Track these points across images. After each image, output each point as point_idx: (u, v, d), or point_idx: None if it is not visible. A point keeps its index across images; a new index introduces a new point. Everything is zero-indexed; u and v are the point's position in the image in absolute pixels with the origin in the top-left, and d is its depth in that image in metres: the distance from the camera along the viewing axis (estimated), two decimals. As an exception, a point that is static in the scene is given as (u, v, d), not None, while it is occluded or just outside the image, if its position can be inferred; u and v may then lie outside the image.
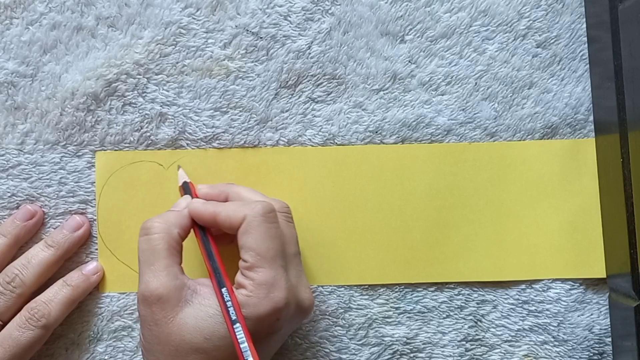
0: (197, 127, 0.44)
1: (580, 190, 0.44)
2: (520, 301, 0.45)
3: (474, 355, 0.45)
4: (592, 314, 0.45)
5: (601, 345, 0.45)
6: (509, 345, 0.45)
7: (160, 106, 0.44)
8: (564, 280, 0.45)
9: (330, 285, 0.44)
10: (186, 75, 0.44)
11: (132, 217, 0.43)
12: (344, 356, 0.44)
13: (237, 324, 0.35)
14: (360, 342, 0.44)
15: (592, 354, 0.45)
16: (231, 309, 0.35)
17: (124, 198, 0.43)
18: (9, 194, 0.44)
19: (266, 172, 0.44)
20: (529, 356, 0.45)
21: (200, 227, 0.39)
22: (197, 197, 0.41)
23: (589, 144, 0.45)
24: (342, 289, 0.44)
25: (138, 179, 0.44)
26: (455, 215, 0.44)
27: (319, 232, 0.44)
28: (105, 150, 0.44)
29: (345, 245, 0.44)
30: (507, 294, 0.45)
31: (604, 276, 0.44)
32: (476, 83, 0.45)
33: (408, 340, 0.44)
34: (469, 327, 0.45)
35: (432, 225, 0.44)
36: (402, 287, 0.44)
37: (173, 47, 0.44)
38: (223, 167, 0.44)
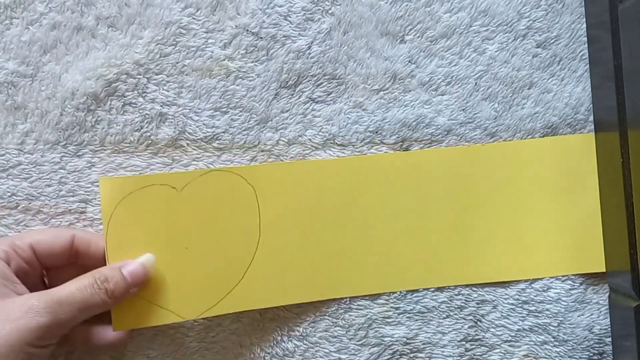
0: (197, 127, 0.44)
1: (593, 186, 0.44)
2: (520, 301, 0.45)
3: (474, 355, 0.45)
4: (592, 314, 0.45)
5: (601, 345, 0.45)
6: (509, 346, 0.45)
7: (160, 106, 0.44)
8: (564, 280, 0.45)
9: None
10: (186, 75, 0.44)
11: (146, 247, 0.41)
12: (343, 356, 0.44)
13: None
14: (360, 343, 0.44)
15: (592, 354, 0.45)
16: None
17: (135, 226, 0.41)
18: (9, 194, 0.44)
19: (282, 185, 0.43)
20: (529, 356, 0.45)
21: None
22: None
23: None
24: (342, 289, 0.44)
25: (149, 205, 0.41)
26: (473, 216, 0.44)
27: (339, 243, 0.43)
28: (105, 151, 0.44)
29: (366, 254, 0.44)
30: (507, 294, 0.45)
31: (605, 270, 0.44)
32: (476, 83, 0.45)
33: (408, 341, 0.44)
34: (469, 327, 0.45)
35: (451, 227, 0.44)
36: (402, 287, 0.45)
37: (173, 47, 0.44)
38: (238, 185, 0.43)
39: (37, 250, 0.40)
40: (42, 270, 0.41)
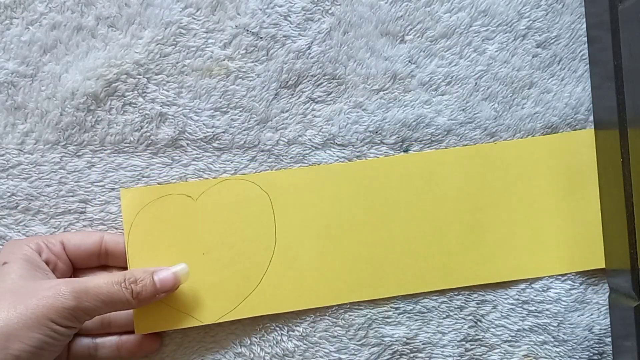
0: (197, 127, 0.44)
1: (594, 183, 0.44)
2: (520, 301, 0.45)
3: (474, 355, 0.45)
4: (592, 314, 0.45)
5: (601, 345, 0.45)
6: (509, 345, 0.45)
7: (160, 106, 0.44)
8: (563, 280, 0.45)
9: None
10: (186, 75, 0.44)
11: (164, 253, 0.43)
12: (343, 356, 0.44)
13: None
14: (360, 343, 0.44)
15: (592, 354, 0.45)
16: None
17: (153, 234, 0.43)
18: (9, 194, 0.44)
19: (296, 191, 0.44)
20: (529, 356, 0.45)
21: None
22: None
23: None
24: (342, 289, 0.44)
25: (167, 214, 0.43)
26: (489, 215, 0.44)
27: (354, 248, 0.43)
28: (105, 151, 0.44)
29: (383, 258, 0.44)
30: (506, 294, 0.45)
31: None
32: (476, 83, 0.45)
33: (408, 341, 0.44)
34: (469, 327, 0.45)
35: (467, 228, 0.44)
36: (402, 287, 0.45)
37: (173, 47, 0.44)
38: (253, 192, 0.43)
39: (67, 246, 0.42)
40: (72, 269, 0.42)
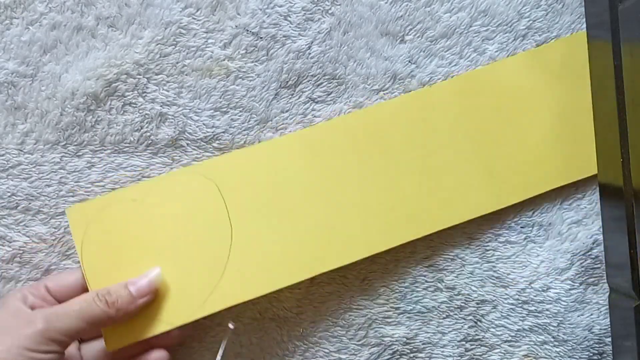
0: (197, 127, 0.44)
1: (566, 92, 0.44)
2: (520, 301, 0.45)
3: (474, 355, 0.45)
4: (592, 314, 0.45)
5: (601, 345, 0.45)
6: (509, 346, 0.45)
7: (161, 106, 0.44)
8: (563, 280, 0.45)
9: (331, 284, 0.44)
10: (186, 75, 0.44)
11: (121, 264, 0.41)
12: (343, 356, 0.44)
13: None
14: (360, 343, 0.44)
15: (592, 354, 0.45)
16: None
17: (106, 247, 0.41)
18: (9, 194, 0.44)
19: (242, 173, 0.43)
20: (529, 356, 0.45)
21: None
22: None
23: (578, 39, 0.45)
24: (342, 289, 0.44)
25: (115, 223, 0.42)
26: (440, 158, 0.43)
27: (311, 218, 0.42)
28: (105, 151, 0.44)
29: (344, 222, 0.43)
30: (506, 294, 0.45)
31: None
32: (476, 83, 0.45)
33: (408, 341, 0.44)
34: (469, 327, 0.45)
35: (421, 175, 0.43)
36: (402, 287, 0.45)
37: (173, 47, 0.44)
38: (197, 183, 0.42)
39: (51, 288, 0.41)
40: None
